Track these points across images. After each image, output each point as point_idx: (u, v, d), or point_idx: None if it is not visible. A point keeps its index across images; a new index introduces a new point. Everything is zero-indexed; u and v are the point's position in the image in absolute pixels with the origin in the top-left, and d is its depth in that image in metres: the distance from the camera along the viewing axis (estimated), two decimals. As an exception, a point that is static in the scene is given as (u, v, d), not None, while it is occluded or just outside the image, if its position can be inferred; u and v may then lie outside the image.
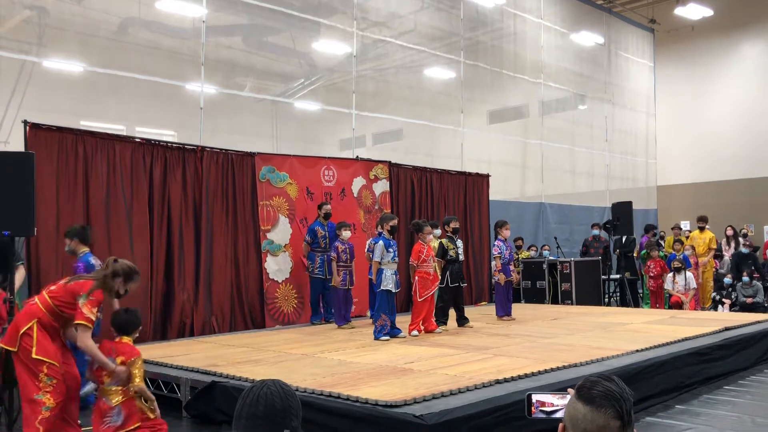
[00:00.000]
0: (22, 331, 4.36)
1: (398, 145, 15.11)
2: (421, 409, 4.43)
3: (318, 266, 9.91)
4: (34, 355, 4.34)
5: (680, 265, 12.08)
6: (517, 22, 16.53)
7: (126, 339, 4.58)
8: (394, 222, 8.69)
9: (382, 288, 8.31)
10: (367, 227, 11.35)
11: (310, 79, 14.42)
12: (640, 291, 14.45)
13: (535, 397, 2.20)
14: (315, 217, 10.24)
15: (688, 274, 12.11)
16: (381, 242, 8.46)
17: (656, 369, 6.22)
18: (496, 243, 9.97)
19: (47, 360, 4.37)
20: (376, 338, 8.03)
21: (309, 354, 6.96)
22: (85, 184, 8.19)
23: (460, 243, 9.43)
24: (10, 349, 4.39)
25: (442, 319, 8.99)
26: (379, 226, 8.86)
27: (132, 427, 4.43)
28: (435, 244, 9.34)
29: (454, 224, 9.31)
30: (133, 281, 4.65)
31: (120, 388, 4.45)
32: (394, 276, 8.40)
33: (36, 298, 4.54)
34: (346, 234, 9.49)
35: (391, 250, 8.44)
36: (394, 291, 8.40)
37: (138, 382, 4.47)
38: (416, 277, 8.55)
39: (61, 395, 4.40)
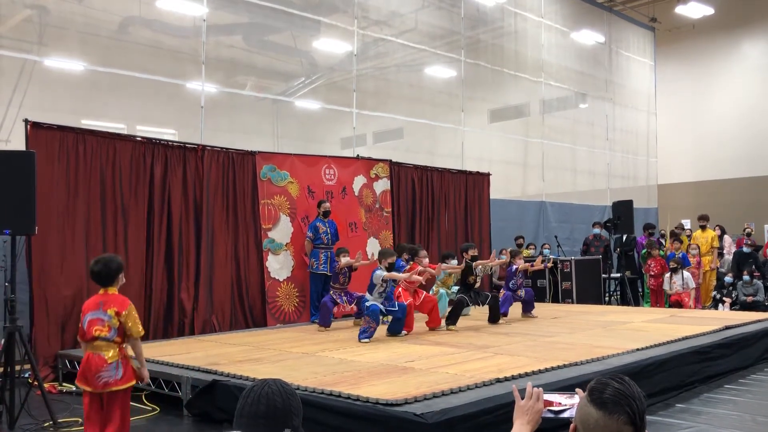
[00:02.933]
0: None
1: (399, 144, 15.12)
2: (422, 408, 4.43)
3: (323, 263, 9.97)
4: None
5: (676, 265, 12.03)
6: (517, 21, 16.52)
7: (111, 290, 4.46)
8: (393, 259, 8.48)
9: (371, 303, 8.10)
10: (368, 226, 11.36)
11: (311, 77, 14.43)
12: (641, 290, 14.45)
13: (544, 397, 2.22)
14: (315, 215, 10.28)
15: (686, 273, 12.07)
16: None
17: (657, 368, 6.22)
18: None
19: None
20: (359, 340, 7.82)
21: (310, 353, 6.96)
22: (86, 182, 8.19)
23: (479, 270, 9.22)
24: None
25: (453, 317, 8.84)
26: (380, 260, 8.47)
27: (128, 385, 4.40)
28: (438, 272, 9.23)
29: (472, 252, 9.16)
30: None
31: (115, 344, 4.38)
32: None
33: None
34: (344, 260, 9.09)
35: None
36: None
37: (135, 333, 4.41)
38: (399, 289, 8.52)
39: None
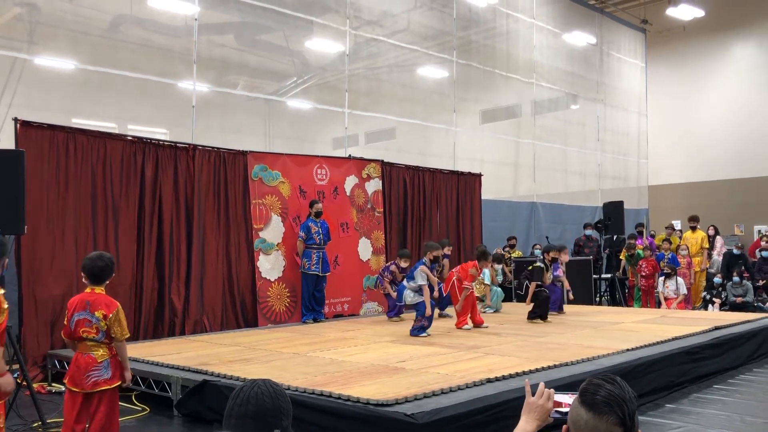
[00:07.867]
0: None
1: (391, 144, 15.11)
2: (413, 408, 4.44)
3: (314, 263, 9.97)
4: None
5: (670, 271, 12.07)
6: (509, 22, 16.55)
7: (99, 289, 4.42)
8: (439, 252, 9.02)
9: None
10: (359, 226, 11.35)
11: (303, 77, 14.40)
12: (627, 290, 14.51)
13: (554, 398, 2.22)
14: (306, 215, 10.26)
15: (679, 279, 12.11)
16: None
17: (647, 368, 6.25)
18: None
19: None
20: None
21: (301, 353, 6.96)
22: (77, 182, 8.15)
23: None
24: None
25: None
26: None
27: (116, 384, 4.41)
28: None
29: (553, 254, 9.76)
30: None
31: (104, 344, 4.37)
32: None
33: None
34: (403, 264, 9.90)
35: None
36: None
37: (120, 336, 4.38)
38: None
39: None
